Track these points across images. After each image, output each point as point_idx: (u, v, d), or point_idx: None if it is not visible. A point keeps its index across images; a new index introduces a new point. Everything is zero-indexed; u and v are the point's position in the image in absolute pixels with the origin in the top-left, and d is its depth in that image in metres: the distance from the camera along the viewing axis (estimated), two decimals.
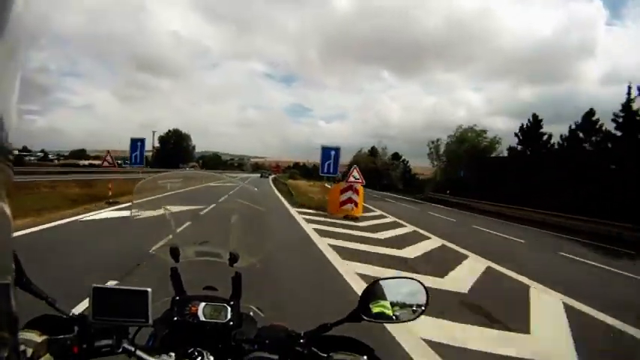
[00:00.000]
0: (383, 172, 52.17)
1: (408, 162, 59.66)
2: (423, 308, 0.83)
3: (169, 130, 71.05)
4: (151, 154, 61.31)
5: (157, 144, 61.45)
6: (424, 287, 0.85)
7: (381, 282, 0.84)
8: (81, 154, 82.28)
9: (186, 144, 72.83)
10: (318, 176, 22.11)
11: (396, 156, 59.49)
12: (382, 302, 0.82)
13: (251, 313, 0.90)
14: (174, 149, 67.24)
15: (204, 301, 0.84)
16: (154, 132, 55.82)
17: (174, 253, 0.90)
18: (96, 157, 75.11)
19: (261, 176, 61.21)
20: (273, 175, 69.73)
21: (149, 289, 0.77)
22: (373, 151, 58.79)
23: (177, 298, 0.86)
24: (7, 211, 0.33)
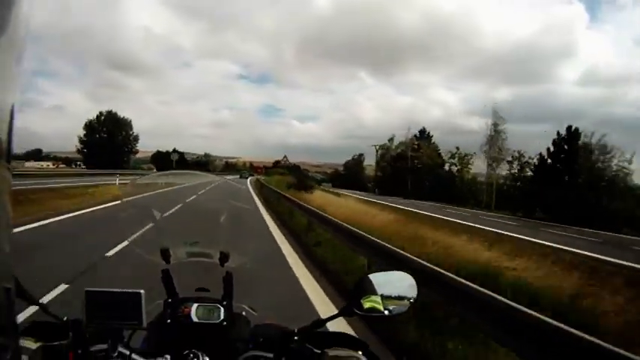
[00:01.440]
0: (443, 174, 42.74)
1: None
2: (413, 299, 0.85)
3: (100, 113, 51.50)
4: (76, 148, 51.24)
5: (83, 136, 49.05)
6: (413, 278, 0.87)
7: (370, 276, 0.85)
8: (36, 155, 71.83)
9: (126, 133, 53.36)
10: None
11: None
12: (373, 297, 0.83)
13: (244, 313, 0.90)
14: (109, 141, 50.12)
15: (197, 302, 0.83)
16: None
17: (165, 254, 0.88)
18: (55, 159, 70.05)
19: (240, 177, 55.84)
20: (252, 177, 60.07)
21: (142, 291, 0.77)
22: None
23: (170, 300, 0.84)
24: (7, 215, 0.33)
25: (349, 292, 0.84)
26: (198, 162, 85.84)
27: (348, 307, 0.82)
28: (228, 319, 0.83)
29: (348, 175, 67.22)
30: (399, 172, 46.09)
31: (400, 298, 0.85)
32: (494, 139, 35.72)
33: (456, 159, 44.99)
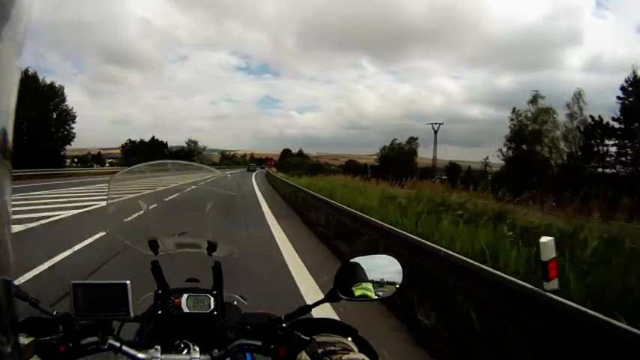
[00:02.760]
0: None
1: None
2: (398, 283, 0.86)
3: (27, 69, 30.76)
4: None
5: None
6: (399, 262, 0.87)
7: (355, 260, 0.85)
8: None
9: (55, 107, 34.13)
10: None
11: None
12: (363, 284, 0.83)
13: (235, 302, 0.91)
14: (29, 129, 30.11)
15: (187, 293, 0.84)
16: None
17: (153, 245, 0.88)
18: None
19: (248, 170, 53.11)
20: (263, 169, 55.10)
21: (128, 282, 0.77)
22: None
23: (160, 291, 0.85)
24: (7, 209, 0.33)
25: (334, 277, 0.84)
26: (178, 153, 67.12)
27: (334, 292, 0.82)
28: (219, 308, 0.84)
29: (389, 165, 44.43)
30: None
31: (385, 281, 0.85)
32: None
33: None
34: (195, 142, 75.70)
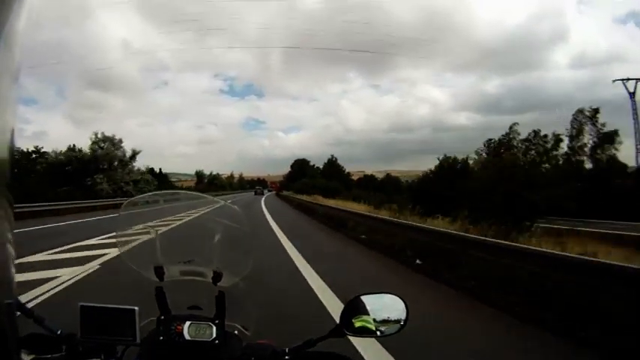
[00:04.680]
0: None
1: None
2: (403, 322, 0.86)
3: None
4: None
5: None
6: (404, 302, 0.88)
7: (361, 297, 0.86)
8: None
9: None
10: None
11: None
12: (364, 317, 0.84)
13: (236, 332, 0.90)
14: None
15: (189, 320, 0.84)
16: None
17: (159, 272, 0.89)
18: None
19: (255, 193, 51.37)
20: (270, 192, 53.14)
21: (136, 308, 0.78)
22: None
23: (163, 317, 0.85)
24: (9, 231, 0.34)
25: (341, 313, 0.85)
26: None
27: (339, 328, 0.83)
28: (220, 337, 0.84)
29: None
30: None
31: (390, 319, 0.86)
32: None
33: None
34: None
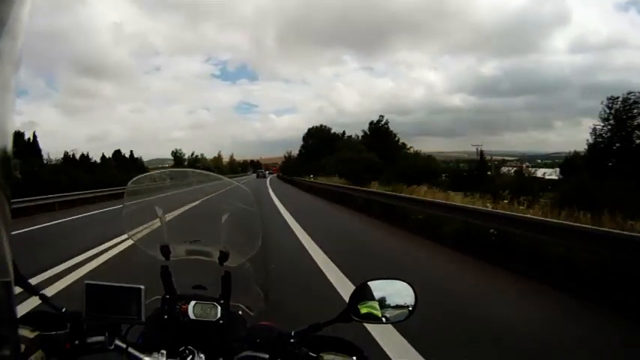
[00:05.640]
0: None
1: None
2: (411, 308, 0.85)
3: None
4: None
5: None
6: (412, 288, 0.87)
7: (369, 283, 0.85)
8: None
9: None
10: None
11: None
12: (370, 302, 0.84)
13: (240, 312, 0.90)
14: None
15: (194, 300, 0.84)
16: None
17: (165, 251, 0.89)
18: None
19: (257, 176, 50.03)
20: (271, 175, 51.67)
21: (142, 287, 0.78)
22: None
23: (168, 296, 0.85)
24: (6, 209, 0.33)
25: (349, 298, 0.84)
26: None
27: (346, 313, 0.83)
28: (225, 317, 0.84)
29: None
30: None
31: (398, 306, 0.85)
32: None
33: None
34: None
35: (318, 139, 47.11)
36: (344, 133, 44.72)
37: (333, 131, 47.61)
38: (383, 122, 39.82)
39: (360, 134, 41.29)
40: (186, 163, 55.50)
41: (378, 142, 35.69)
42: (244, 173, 67.02)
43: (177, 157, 59.00)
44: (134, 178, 0.99)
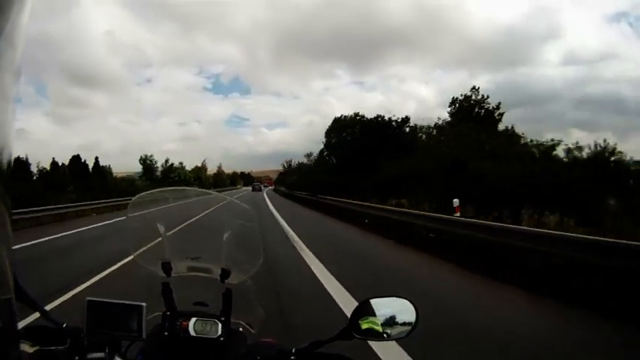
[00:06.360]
0: None
1: None
2: (412, 326, 0.84)
3: None
4: None
5: None
6: (414, 305, 0.86)
7: (370, 301, 0.85)
8: None
9: None
10: None
11: None
12: (371, 319, 0.83)
13: (241, 329, 0.89)
14: None
15: (195, 317, 0.84)
16: None
17: (166, 267, 0.89)
18: None
19: (253, 189, 49.85)
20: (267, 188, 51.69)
21: (144, 304, 0.78)
22: None
23: (168, 313, 0.85)
24: (7, 223, 0.33)
25: (350, 315, 0.84)
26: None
27: (347, 330, 0.82)
28: (226, 334, 0.83)
29: None
30: None
31: (399, 323, 0.84)
32: None
33: None
34: None
35: (364, 132, 26.53)
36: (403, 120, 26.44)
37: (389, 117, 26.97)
38: None
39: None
40: (158, 173, 46.70)
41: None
42: (233, 187, 60.34)
43: (145, 164, 46.71)
44: (134, 198, 0.99)
